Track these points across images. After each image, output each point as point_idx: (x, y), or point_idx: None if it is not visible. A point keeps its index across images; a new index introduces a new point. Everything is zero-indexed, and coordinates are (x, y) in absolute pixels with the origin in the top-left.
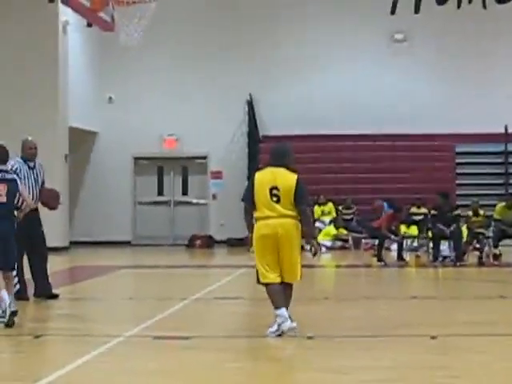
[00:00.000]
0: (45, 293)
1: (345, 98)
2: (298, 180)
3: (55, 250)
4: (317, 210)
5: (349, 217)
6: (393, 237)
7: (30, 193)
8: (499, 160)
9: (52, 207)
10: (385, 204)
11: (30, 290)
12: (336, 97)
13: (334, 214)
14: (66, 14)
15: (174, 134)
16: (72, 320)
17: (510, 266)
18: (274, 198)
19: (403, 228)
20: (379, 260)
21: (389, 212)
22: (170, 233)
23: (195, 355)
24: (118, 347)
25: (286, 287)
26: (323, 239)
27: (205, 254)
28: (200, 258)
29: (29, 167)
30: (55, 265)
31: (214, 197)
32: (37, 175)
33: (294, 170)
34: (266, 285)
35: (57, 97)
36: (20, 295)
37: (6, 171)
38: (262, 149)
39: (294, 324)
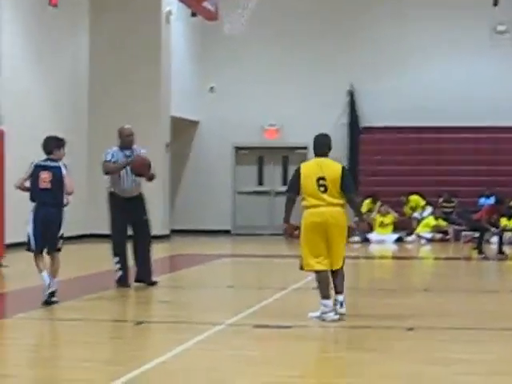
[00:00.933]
0: (145, 279)
1: (446, 90)
2: (343, 169)
3: (156, 238)
4: (407, 211)
5: (449, 210)
6: (493, 229)
7: (125, 180)
8: None
9: (145, 176)
10: (482, 198)
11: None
12: (437, 88)
13: (422, 203)
14: (169, 3)
15: (274, 124)
16: (172, 307)
17: None
18: (322, 188)
19: (504, 221)
20: (479, 253)
21: (490, 204)
22: (269, 223)
23: (296, 344)
24: (218, 335)
25: (336, 273)
26: (423, 231)
27: None
28: (299, 248)
29: (125, 155)
30: (156, 253)
31: None
32: None
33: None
34: (316, 272)
35: (159, 86)
36: (122, 282)
37: (51, 159)
38: (363, 140)
39: (337, 317)
